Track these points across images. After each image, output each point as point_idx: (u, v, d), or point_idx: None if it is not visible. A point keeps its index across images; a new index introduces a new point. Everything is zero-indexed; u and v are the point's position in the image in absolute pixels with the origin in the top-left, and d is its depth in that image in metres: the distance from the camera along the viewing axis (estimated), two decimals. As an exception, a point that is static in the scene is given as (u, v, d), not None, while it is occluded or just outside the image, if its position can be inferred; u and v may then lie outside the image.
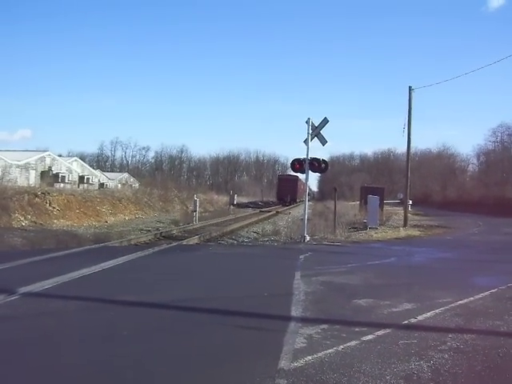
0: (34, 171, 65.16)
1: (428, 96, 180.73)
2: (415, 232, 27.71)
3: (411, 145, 33.76)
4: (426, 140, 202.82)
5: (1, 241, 17.70)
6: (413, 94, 32.39)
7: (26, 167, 63.88)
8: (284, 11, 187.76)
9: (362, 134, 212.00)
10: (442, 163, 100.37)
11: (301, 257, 15.35)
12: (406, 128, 32.80)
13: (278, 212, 48.94)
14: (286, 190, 68.43)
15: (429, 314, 7.91)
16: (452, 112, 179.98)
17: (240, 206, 60.78)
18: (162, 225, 31.42)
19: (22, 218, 26.62)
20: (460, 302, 8.95)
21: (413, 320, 7.54)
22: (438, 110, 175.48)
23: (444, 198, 77.00)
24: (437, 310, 8.18)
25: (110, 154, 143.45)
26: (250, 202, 75.63)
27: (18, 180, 54.55)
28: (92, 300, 8.67)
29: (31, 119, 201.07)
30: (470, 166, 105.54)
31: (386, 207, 39.15)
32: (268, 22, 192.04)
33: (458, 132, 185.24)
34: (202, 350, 6.06)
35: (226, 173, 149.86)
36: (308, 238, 20.31)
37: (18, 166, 61.94)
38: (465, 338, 6.67)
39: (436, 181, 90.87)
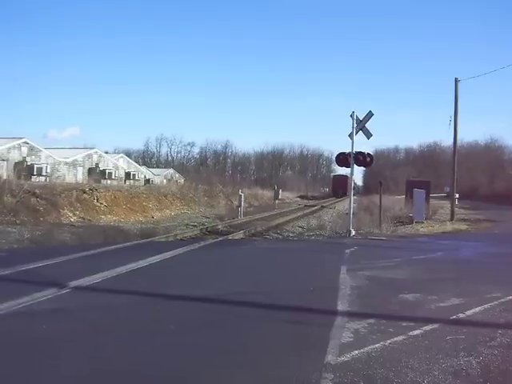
0: (81, 168, 66.21)
1: (475, 87, 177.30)
2: (462, 226, 27.32)
3: (458, 137, 33.28)
4: (472, 132, 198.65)
5: (51, 236, 18.09)
6: (459, 86, 31.89)
7: (73, 164, 64.96)
8: (326, 10, 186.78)
9: (407, 127, 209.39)
10: (489, 156, 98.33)
11: (346, 251, 15.29)
12: (453, 120, 32.35)
13: (323, 206, 48.86)
14: (339, 186, 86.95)
15: (477, 309, 7.79)
16: (500, 103, 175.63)
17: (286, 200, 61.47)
18: (207, 220, 31.70)
19: (71, 214, 27.16)
20: (510, 297, 8.77)
21: (461, 315, 7.44)
22: (485, 102, 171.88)
23: (492, 191, 75.34)
24: (486, 305, 8.05)
25: (155, 151, 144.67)
26: (300, 196, 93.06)
27: (66, 177, 55.77)
28: (139, 294, 8.79)
29: (79, 117, 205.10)
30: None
31: (432, 201, 38.52)
32: (314, 21, 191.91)
33: (507, 123, 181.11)
34: (247, 344, 6.10)
35: (270, 168, 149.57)
36: (353, 232, 20.21)
37: (66, 163, 63.06)
38: (515, 333, 6.57)
39: (483, 174, 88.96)
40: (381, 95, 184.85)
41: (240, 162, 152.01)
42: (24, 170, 48.78)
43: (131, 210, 33.19)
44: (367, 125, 20.29)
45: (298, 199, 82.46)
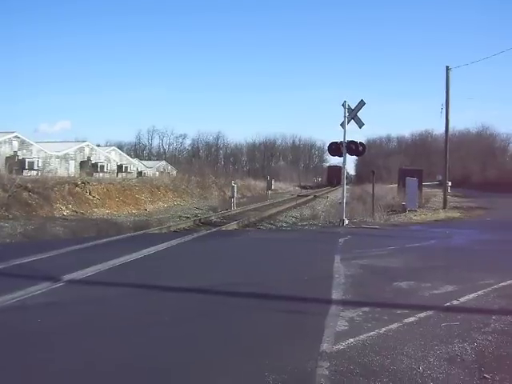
0: (73, 161, 66.03)
1: (466, 76, 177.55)
2: (455, 214, 27.38)
3: (449, 125, 33.28)
4: (464, 120, 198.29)
5: (44, 230, 18.05)
6: (450, 74, 31.88)
7: (65, 158, 64.77)
8: (317, 1, 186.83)
9: (399, 116, 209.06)
10: (481, 144, 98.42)
11: (340, 240, 15.32)
12: (444, 108, 32.36)
13: (315, 196, 48.95)
14: (333, 176, 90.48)
15: (471, 296, 7.83)
16: (491, 91, 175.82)
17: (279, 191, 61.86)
18: (200, 211, 31.69)
19: (63, 208, 27.10)
20: (503, 283, 8.82)
21: (455, 302, 7.47)
22: (476, 90, 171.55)
23: (484, 179, 75.37)
24: (479, 292, 8.08)
25: (147, 143, 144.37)
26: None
27: (58, 170, 55.49)
28: (133, 286, 8.78)
29: (71, 111, 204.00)
30: (511, 145, 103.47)
31: (424, 189, 38.55)
32: (306, 12, 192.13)
33: (498, 111, 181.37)
34: (242, 334, 6.11)
35: (262, 158, 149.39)
36: (347, 221, 20.21)
37: (57, 157, 62.86)
38: (509, 319, 6.59)
39: (475, 161, 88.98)
40: (373, 84, 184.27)
41: (232, 153, 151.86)
42: (15, 164, 48.55)
43: (124, 203, 33.15)
44: (359, 114, 20.23)
45: (292, 189, 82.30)
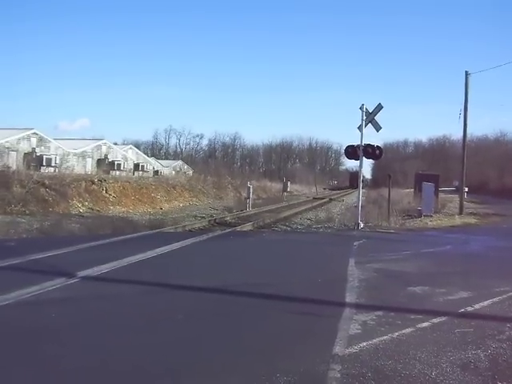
0: (90, 159, 66.43)
1: (484, 82, 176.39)
2: (471, 220, 27.16)
3: (467, 131, 33.03)
4: (482, 126, 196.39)
5: (60, 226, 18.15)
6: (469, 79, 31.66)
7: (82, 155, 65.14)
8: (337, 6, 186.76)
9: (416, 120, 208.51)
10: (499, 150, 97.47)
11: (355, 244, 15.26)
12: (462, 114, 32.12)
13: (331, 199, 48.87)
14: (354, 180, 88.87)
15: (486, 303, 7.77)
16: (504, 97, 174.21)
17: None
18: (215, 211, 31.69)
19: (80, 205, 27.28)
20: (518, 291, 8.77)
21: (469, 308, 7.42)
22: (494, 96, 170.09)
23: (501, 186, 74.59)
24: (494, 299, 8.03)
25: (164, 142, 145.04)
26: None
27: (75, 168, 55.71)
28: (147, 284, 8.81)
29: (90, 108, 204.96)
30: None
31: (441, 194, 38.32)
32: (325, 15, 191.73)
33: (508, 118, 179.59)
34: (256, 335, 6.11)
35: (278, 160, 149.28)
36: (362, 225, 20.15)
37: (75, 154, 63.14)
38: (524, 327, 6.54)
39: (493, 168, 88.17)
40: (390, 88, 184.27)
41: (249, 154, 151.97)
42: (33, 160, 48.95)
43: (140, 201, 33.31)
44: (376, 117, 20.19)
45: (307, 191, 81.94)
